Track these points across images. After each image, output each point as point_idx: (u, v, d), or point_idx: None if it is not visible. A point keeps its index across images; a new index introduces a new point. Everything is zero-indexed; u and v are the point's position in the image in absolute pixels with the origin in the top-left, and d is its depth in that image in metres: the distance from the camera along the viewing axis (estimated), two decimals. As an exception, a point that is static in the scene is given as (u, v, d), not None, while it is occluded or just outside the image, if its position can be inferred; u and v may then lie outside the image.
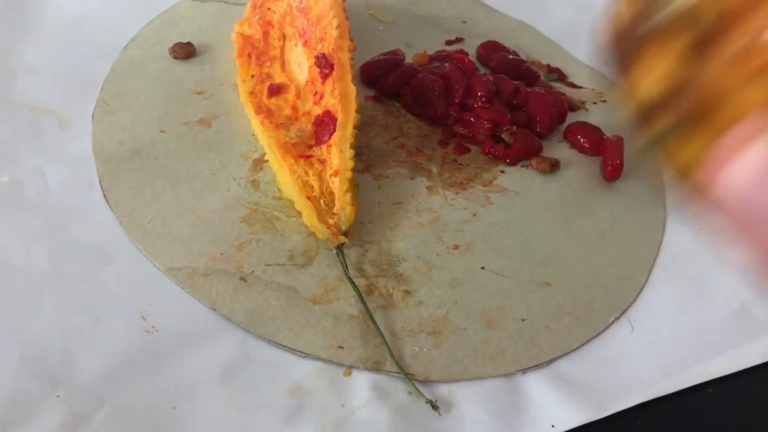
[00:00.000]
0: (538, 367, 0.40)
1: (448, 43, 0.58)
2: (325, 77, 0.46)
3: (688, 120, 0.19)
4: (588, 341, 0.41)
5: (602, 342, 0.41)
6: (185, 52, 0.51)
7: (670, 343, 0.42)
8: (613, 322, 0.42)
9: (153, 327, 0.38)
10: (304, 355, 0.38)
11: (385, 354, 0.38)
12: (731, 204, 0.17)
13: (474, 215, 0.46)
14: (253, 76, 0.48)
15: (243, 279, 0.40)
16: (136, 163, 0.44)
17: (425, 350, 0.39)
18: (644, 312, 0.43)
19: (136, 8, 0.54)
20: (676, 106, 0.19)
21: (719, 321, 0.43)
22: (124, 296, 0.39)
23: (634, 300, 0.43)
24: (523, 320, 0.41)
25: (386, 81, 0.52)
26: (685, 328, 0.42)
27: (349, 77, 0.45)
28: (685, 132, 0.19)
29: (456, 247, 0.44)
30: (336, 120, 0.44)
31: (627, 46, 0.21)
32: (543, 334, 0.41)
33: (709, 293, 0.44)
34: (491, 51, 0.56)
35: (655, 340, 0.42)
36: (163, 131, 0.46)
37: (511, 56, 0.56)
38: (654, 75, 0.20)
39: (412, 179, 0.47)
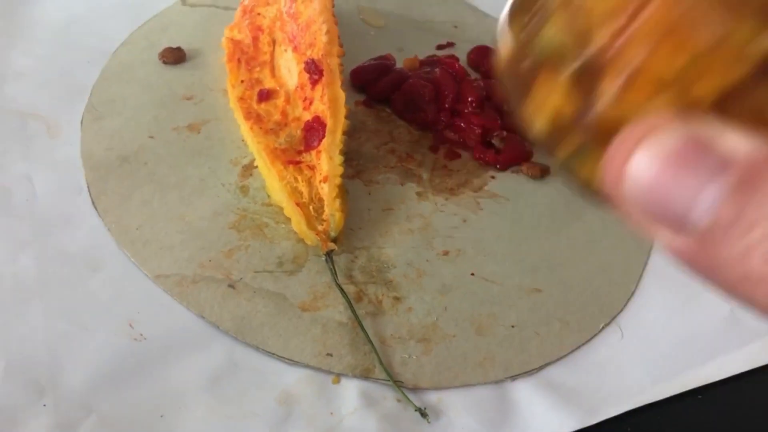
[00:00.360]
0: (527, 374, 0.40)
1: (440, 47, 0.58)
2: (314, 83, 0.46)
3: (591, 144, 0.18)
4: (578, 348, 0.41)
5: (592, 348, 0.41)
6: (175, 57, 0.51)
7: (660, 349, 0.42)
8: (603, 328, 0.42)
9: (141, 334, 0.38)
10: (293, 362, 0.38)
11: (374, 361, 0.38)
12: (636, 208, 0.16)
13: (464, 221, 0.46)
14: (242, 81, 0.48)
15: (231, 286, 0.40)
16: (125, 169, 0.44)
17: (414, 357, 0.39)
18: (634, 318, 0.43)
19: (126, 13, 0.54)
20: (574, 135, 0.18)
21: (709, 327, 0.43)
22: (112, 303, 0.38)
23: (624, 306, 0.43)
24: (513, 327, 0.41)
25: (377, 86, 0.52)
26: (674, 334, 0.42)
27: (339, 83, 0.45)
28: (591, 155, 0.18)
29: (446, 253, 0.44)
30: (325, 126, 0.44)
31: (517, 80, 0.20)
32: (533, 341, 0.41)
33: (699, 300, 0.44)
34: (483, 56, 0.56)
35: (645, 347, 0.42)
36: (152, 137, 0.46)
37: (502, 61, 0.56)
38: (545, 108, 0.19)
39: (402, 185, 0.47)
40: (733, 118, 0.16)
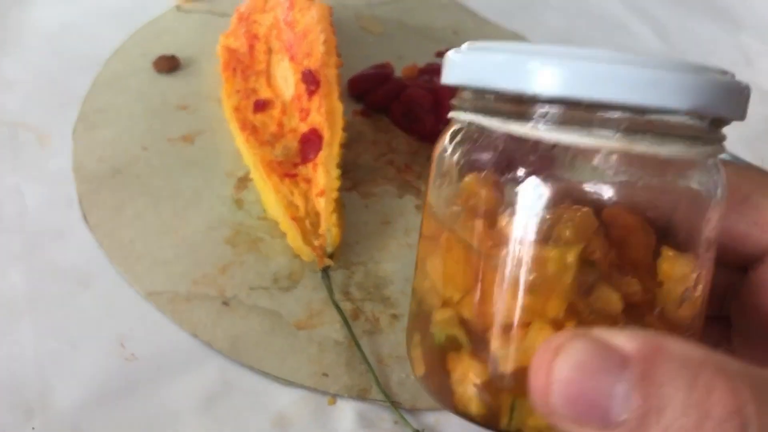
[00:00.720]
0: (527, 393, 0.39)
1: (439, 54, 0.57)
2: (311, 94, 0.45)
3: (519, 398, 0.21)
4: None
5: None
6: (169, 65, 0.50)
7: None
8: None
9: (132, 354, 0.37)
10: (288, 383, 0.37)
11: (371, 381, 0.37)
12: (566, 419, 0.18)
13: (463, 235, 0.45)
14: (238, 90, 0.47)
15: (225, 303, 0.39)
16: (118, 182, 0.43)
17: (412, 377, 0.38)
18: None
19: (119, 20, 0.53)
20: (502, 399, 0.21)
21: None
22: (103, 322, 0.38)
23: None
24: (512, 345, 0.40)
25: (375, 95, 0.51)
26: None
27: (336, 94, 0.44)
28: (524, 406, 0.21)
29: (445, 268, 0.43)
30: (322, 138, 0.43)
31: (438, 387, 0.23)
32: (533, 360, 0.40)
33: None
34: (482, 64, 0.55)
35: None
36: (145, 148, 0.45)
37: (502, 69, 0.55)
38: (468, 392, 0.22)
39: (400, 197, 0.46)
40: (589, 324, 0.20)
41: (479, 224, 0.22)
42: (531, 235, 0.20)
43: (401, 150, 0.49)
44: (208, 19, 0.55)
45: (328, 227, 0.41)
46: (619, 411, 0.17)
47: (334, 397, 0.37)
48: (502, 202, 0.21)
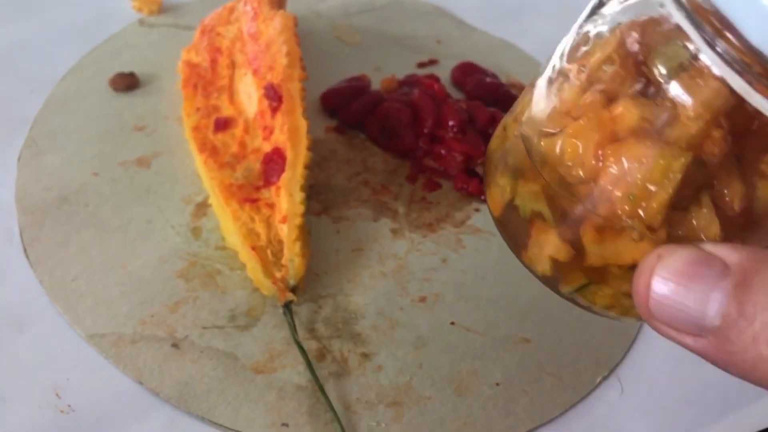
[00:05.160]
0: (514, 440, 0.35)
1: (421, 65, 0.53)
2: (274, 110, 0.41)
3: (591, 283, 0.21)
4: (572, 406, 0.36)
5: (588, 406, 0.36)
6: (126, 83, 0.46)
7: (666, 405, 0.37)
8: (600, 382, 0.37)
9: (69, 406, 0.33)
10: (243, 435, 0.33)
11: (337, 431, 0.33)
12: (663, 324, 0.19)
13: (444, 261, 0.41)
14: (198, 109, 0.43)
15: (175, 345, 0.35)
16: (63, 212, 0.40)
17: (384, 425, 0.34)
18: (636, 370, 0.38)
19: (78, 36, 0.50)
20: (573, 276, 0.22)
21: (721, 379, 0.37)
22: (38, 369, 0.34)
23: (624, 356, 0.38)
24: (497, 384, 0.36)
25: (349, 110, 0.47)
26: (682, 387, 0.37)
27: (300, 110, 0.40)
28: (591, 289, 0.22)
29: (423, 299, 0.39)
30: (285, 159, 0.39)
31: (513, 231, 0.23)
32: (520, 401, 0.36)
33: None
34: (467, 74, 0.52)
35: (648, 403, 0.37)
36: (96, 174, 0.42)
37: (488, 79, 0.51)
38: (543, 256, 0.22)
39: (375, 221, 0.42)
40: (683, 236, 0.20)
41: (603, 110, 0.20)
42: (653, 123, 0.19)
43: (377, 169, 0.45)
44: (173, 33, 0.51)
45: (291, 257, 0.37)
46: (713, 317, 0.18)
47: (294, 450, 0.33)
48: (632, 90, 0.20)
